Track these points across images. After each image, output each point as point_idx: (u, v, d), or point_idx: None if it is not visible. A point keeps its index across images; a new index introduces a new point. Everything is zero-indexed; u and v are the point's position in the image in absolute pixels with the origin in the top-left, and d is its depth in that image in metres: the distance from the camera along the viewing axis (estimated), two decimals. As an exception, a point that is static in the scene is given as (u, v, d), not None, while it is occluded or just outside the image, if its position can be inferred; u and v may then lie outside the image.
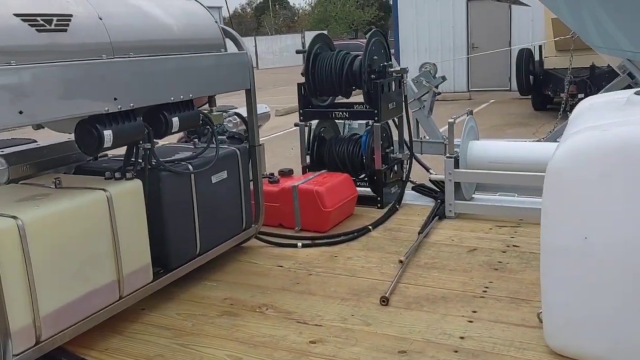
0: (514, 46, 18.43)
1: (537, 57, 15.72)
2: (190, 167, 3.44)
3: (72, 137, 3.04)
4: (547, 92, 15.05)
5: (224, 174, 3.71)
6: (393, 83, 5.03)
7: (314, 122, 5.26)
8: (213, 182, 3.63)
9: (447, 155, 4.53)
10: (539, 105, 15.85)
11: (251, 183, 4.00)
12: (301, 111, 5.11)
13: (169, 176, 3.30)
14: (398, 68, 4.99)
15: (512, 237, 4.10)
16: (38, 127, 3.23)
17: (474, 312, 3.04)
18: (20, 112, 2.43)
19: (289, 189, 4.46)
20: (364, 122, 5.15)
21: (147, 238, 3.17)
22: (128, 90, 2.94)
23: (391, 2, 23.66)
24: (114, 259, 2.95)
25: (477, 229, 4.31)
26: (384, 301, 3.20)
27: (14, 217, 2.50)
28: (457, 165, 4.51)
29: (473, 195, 4.82)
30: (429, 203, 5.00)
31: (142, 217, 3.13)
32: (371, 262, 3.81)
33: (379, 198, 4.93)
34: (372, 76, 4.82)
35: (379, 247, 4.07)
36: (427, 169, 5.39)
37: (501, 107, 17.25)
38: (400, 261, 3.69)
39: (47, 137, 3.57)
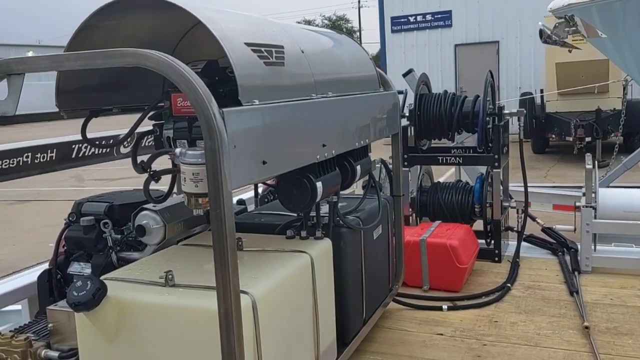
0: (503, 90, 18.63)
1: (537, 101, 15.82)
2: (360, 222, 2.97)
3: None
4: (549, 136, 15.07)
5: (380, 229, 3.24)
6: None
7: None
8: (374, 237, 3.16)
9: (585, 204, 4.17)
10: (539, 149, 15.87)
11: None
12: (405, 156, 4.68)
13: (349, 233, 2.82)
14: (515, 110, 4.65)
15: (675, 294, 3.73)
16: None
17: None
18: (264, 163, 1.94)
19: (415, 243, 4.00)
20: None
21: (334, 307, 2.67)
22: (332, 135, 2.48)
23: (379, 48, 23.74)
24: (314, 333, 2.45)
25: (627, 284, 3.93)
26: (606, 378, 2.76)
27: (244, 292, 1.98)
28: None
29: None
30: (544, 255, 4.63)
31: (332, 282, 2.64)
32: (543, 328, 3.36)
33: (496, 251, 4.52)
34: (488, 119, 4.47)
35: (536, 309, 3.63)
36: (534, 219, 5.01)
37: (498, 150, 17.23)
38: (586, 327, 3.25)
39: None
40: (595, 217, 4.16)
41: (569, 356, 3.02)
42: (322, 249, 2.55)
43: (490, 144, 4.48)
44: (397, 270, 3.60)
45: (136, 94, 2.69)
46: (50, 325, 2.34)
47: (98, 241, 2.78)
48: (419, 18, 21.02)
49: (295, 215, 3.07)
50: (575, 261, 4.29)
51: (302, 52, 2.45)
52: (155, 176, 2.23)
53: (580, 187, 6.34)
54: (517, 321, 3.48)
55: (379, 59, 22.35)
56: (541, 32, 7.99)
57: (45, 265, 3.38)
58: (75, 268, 2.84)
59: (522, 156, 4.61)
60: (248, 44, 2.06)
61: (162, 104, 2.37)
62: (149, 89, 2.71)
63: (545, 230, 4.83)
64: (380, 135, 3.20)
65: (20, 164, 2.89)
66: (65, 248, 2.87)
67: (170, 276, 2.08)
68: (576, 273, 4.12)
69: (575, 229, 4.47)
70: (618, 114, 13.78)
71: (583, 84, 14.11)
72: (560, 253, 4.53)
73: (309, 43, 2.62)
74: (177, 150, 1.97)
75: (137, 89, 2.68)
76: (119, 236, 2.79)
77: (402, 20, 21.18)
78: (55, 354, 2.31)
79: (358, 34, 59.64)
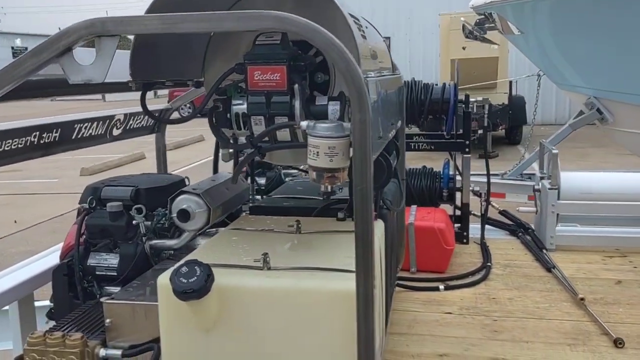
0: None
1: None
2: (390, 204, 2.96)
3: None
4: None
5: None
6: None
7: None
8: (396, 220, 3.16)
9: (550, 187, 4.45)
10: (434, 140, 16.60)
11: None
12: (377, 142, 4.70)
13: (389, 215, 2.80)
14: (481, 99, 4.84)
15: (636, 267, 4.10)
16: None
17: None
18: (379, 138, 1.88)
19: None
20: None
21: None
22: (396, 114, 2.45)
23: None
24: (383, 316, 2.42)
25: (592, 260, 4.27)
26: (620, 343, 2.97)
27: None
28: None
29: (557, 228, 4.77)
30: (504, 236, 4.89)
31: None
32: (539, 302, 3.56)
33: (464, 233, 4.70)
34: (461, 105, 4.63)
35: (523, 285, 3.84)
36: (489, 203, 5.25)
37: (394, 142, 17.86)
38: (582, 299, 3.48)
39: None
40: (558, 199, 4.45)
41: (575, 326, 3.22)
42: (380, 230, 2.52)
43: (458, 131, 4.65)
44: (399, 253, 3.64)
45: (180, 67, 2.49)
46: (107, 321, 2.10)
47: (128, 229, 2.54)
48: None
49: (321, 198, 3.01)
50: (537, 240, 4.58)
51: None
52: (261, 152, 2.08)
53: (495, 175, 6.73)
54: (512, 297, 3.65)
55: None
56: (464, 27, 8.38)
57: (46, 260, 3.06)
58: (96, 259, 2.57)
59: (485, 144, 4.82)
60: (351, 15, 1.98)
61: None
62: (190, 63, 2.52)
63: (502, 212, 5.10)
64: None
65: (27, 144, 2.55)
66: (83, 238, 2.60)
67: (267, 259, 1.95)
68: (544, 251, 4.40)
69: (537, 211, 4.76)
70: (505, 108, 14.86)
71: (475, 79, 15.01)
72: (519, 234, 4.80)
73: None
74: (304, 123, 1.85)
75: (182, 62, 2.47)
76: (149, 223, 2.57)
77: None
78: (117, 352, 2.09)
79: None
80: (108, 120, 3.14)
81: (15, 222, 10.12)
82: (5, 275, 2.93)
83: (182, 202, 2.49)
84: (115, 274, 2.53)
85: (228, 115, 2.21)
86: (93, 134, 3.03)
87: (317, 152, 1.77)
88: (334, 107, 2.14)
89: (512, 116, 15.34)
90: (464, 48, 15.25)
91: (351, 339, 1.75)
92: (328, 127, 1.77)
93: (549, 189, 4.45)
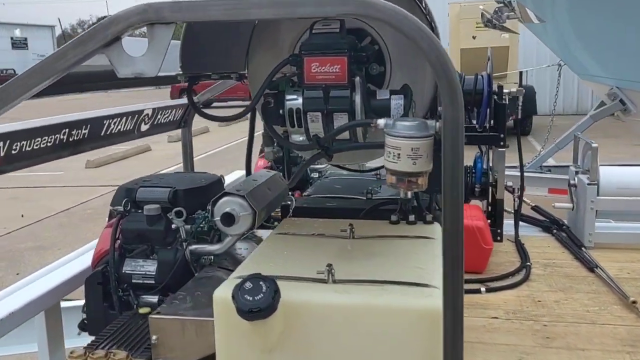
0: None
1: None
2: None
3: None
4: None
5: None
6: (505, 106, 4.67)
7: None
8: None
9: (589, 182, 4.27)
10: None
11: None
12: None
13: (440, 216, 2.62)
14: (515, 90, 4.64)
15: (683, 265, 3.93)
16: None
17: None
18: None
19: (438, 225, 3.88)
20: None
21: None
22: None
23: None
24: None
25: (634, 258, 4.08)
26: (685, 351, 2.81)
27: (433, 287, 1.73)
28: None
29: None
30: (538, 233, 4.71)
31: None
32: (588, 305, 3.38)
33: (498, 230, 4.50)
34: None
35: (568, 287, 3.66)
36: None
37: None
38: (634, 302, 3.31)
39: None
40: (598, 194, 4.27)
41: (631, 331, 3.05)
42: (439, 234, 2.34)
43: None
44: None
45: (226, 59, 2.30)
46: (154, 337, 1.92)
47: (167, 233, 2.36)
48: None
49: (364, 198, 2.85)
50: (574, 237, 4.40)
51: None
52: (329, 154, 1.90)
53: (513, 167, 6.56)
54: (559, 299, 3.47)
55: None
56: (482, 15, 8.16)
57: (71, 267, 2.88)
58: (132, 266, 2.39)
59: (519, 137, 4.62)
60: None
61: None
62: (235, 54, 2.32)
63: (535, 208, 4.92)
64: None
65: (57, 142, 2.36)
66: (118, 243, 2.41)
67: (332, 271, 1.77)
68: (583, 249, 4.22)
69: (573, 207, 4.58)
70: (514, 99, 14.61)
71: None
72: (554, 230, 4.62)
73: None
74: (381, 122, 1.66)
75: (227, 54, 2.28)
76: (189, 227, 2.39)
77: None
78: (165, 371, 1.91)
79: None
80: (137, 116, 2.95)
81: (22, 216, 9.95)
82: (29, 283, 2.75)
83: (226, 204, 2.29)
84: (153, 281, 2.36)
85: (281, 111, 2.03)
86: (122, 129, 2.84)
87: (398, 154, 1.58)
88: (397, 102, 1.96)
89: (522, 106, 15.12)
90: (474, 37, 15.06)
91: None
92: (411, 126, 1.58)
93: (588, 184, 4.26)
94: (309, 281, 1.77)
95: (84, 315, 2.44)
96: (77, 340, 2.58)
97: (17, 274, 7.02)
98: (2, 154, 2.20)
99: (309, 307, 1.69)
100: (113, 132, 2.75)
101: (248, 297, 1.57)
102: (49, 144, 2.39)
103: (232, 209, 2.28)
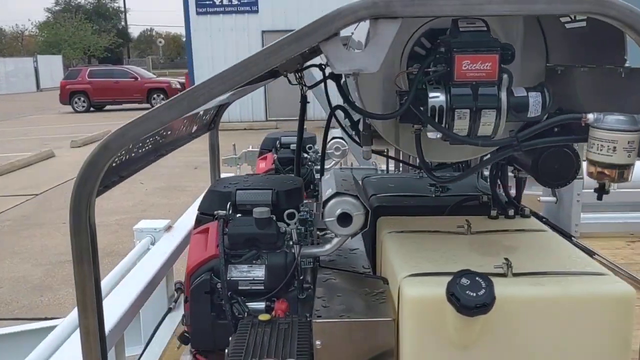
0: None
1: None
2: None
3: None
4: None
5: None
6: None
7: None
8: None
9: (577, 177, 4.58)
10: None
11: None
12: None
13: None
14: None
15: (663, 250, 4.35)
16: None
17: None
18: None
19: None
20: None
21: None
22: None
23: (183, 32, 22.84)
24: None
25: (620, 245, 4.46)
26: None
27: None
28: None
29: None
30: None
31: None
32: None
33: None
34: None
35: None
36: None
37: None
38: (647, 284, 3.61)
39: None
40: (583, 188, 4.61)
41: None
42: (545, 226, 2.45)
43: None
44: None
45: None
46: (318, 342, 1.86)
47: (278, 236, 2.28)
48: (225, 1, 20.68)
49: (433, 196, 2.89)
50: (560, 229, 4.71)
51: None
52: (523, 149, 1.92)
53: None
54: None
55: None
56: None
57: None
58: (238, 273, 2.28)
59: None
60: None
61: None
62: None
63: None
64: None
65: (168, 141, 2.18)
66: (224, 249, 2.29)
67: (510, 264, 1.81)
68: (573, 239, 4.53)
69: (557, 200, 4.90)
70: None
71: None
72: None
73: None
74: (591, 116, 1.71)
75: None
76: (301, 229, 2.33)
77: (208, 2, 20.62)
78: (333, 379, 1.85)
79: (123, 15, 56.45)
80: (194, 117, 2.80)
81: None
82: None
83: (338, 205, 2.25)
84: (262, 287, 2.27)
85: (421, 108, 2.03)
86: (184, 132, 2.69)
87: (614, 147, 1.65)
88: (535, 99, 2.04)
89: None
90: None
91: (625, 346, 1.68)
92: (624, 120, 1.65)
93: (576, 178, 4.58)
94: (492, 276, 1.79)
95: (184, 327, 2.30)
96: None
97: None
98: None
99: (504, 301, 1.71)
100: (179, 135, 2.60)
101: (470, 293, 1.57)
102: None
103: (347, 209, 2.25)
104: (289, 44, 1.49)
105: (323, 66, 2.88)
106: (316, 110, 23.27)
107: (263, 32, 20.90)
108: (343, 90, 2.13)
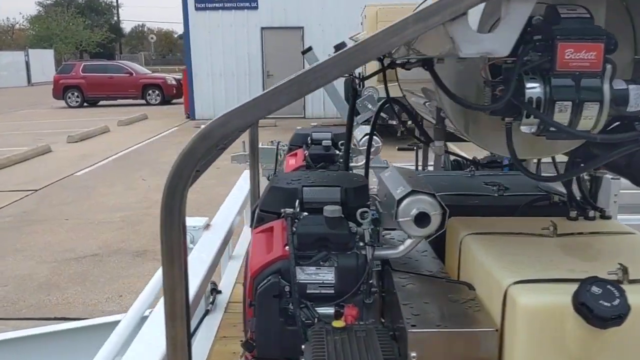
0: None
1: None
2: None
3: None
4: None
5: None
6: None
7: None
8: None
9: (612, 177, 4.47)
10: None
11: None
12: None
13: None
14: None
15: None
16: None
17: None
18: None
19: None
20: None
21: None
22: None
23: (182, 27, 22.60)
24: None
25: None
26: None
27: None
28: (620, 187, 4.48)
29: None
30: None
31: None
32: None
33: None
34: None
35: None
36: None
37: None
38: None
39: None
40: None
41: None
42: (630, 229, 2.32)
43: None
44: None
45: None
46: (413, 354, 1.70)
47: (350, 237, 2.12)
48: (224, -4, 20.47)
49: (495, 195, 2.75)
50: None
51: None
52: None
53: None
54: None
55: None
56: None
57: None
58: (306, 275, 2.12)
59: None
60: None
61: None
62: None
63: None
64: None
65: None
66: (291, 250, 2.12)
67: (627, 270, 1.66)
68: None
69: (591, 201, 4.77)
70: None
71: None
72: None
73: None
74: None
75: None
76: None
77: (207, -3, 20.39)
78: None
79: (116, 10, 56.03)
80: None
81: None
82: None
83: (414, 204, 2.09)
84: (332, 291, 2.10)
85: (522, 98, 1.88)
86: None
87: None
88: (636, 92, 1.89)
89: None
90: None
91: None
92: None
93: (612, 179, 4.47)
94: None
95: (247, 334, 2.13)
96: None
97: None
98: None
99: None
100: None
101: (605, 303, 1.42)
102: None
103: (424, 208, 2.09)
104: (414, 23, 1.33)
105: (381, 57, 2.73)
106: (314, 108, 23.28)
107: (262, 28, 20.72)
108: (439, 79, 1.97)
